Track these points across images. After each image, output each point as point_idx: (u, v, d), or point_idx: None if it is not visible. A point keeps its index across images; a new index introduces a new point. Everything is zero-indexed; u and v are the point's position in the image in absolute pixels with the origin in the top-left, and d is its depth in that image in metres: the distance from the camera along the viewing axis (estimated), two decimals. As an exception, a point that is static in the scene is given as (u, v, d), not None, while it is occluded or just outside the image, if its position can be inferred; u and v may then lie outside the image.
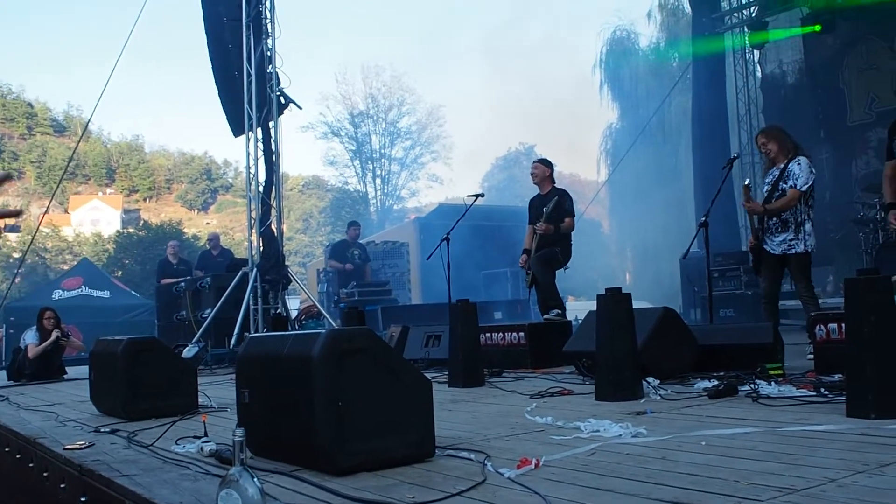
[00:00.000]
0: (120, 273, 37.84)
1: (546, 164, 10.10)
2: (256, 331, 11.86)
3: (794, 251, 7.45)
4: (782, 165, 7.57)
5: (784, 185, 7.50)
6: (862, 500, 2.47)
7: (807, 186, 7.39)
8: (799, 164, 7.47)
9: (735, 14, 18.84)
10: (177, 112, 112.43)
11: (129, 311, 21.60)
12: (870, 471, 2.85)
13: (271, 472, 3.42)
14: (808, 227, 7.44)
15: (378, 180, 60.26)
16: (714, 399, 5.07)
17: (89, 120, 55.52)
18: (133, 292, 25.03)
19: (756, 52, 19.09)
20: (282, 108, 12.89)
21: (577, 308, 13.99)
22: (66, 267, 44.81)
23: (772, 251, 7.57)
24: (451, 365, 7.19)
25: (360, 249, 16.35)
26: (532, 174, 10.08)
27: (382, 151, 60.56)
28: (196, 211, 79.24)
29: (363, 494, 2.96)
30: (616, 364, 5.41)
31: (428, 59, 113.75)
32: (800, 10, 17.61)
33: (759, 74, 19.35)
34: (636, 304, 5.80)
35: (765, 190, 7.78)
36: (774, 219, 7.53)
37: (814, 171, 7.53)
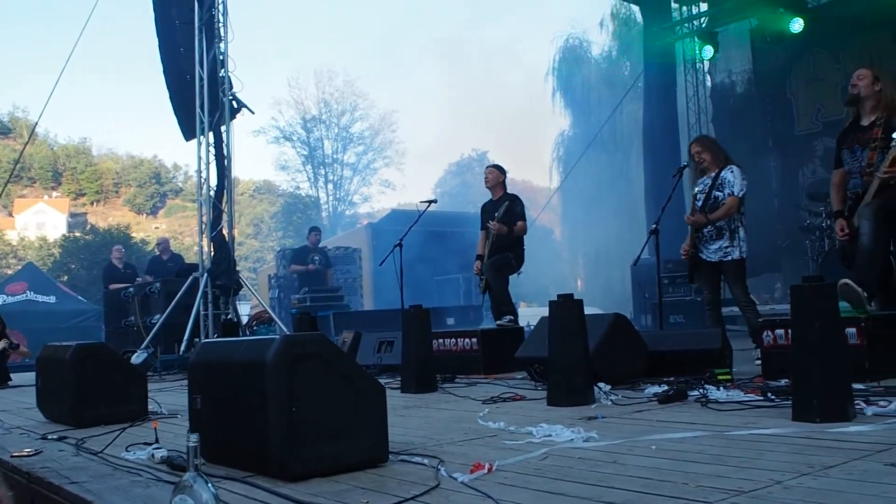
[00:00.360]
0: (66, 278, 37.40)
1: (499, 169, 10.20)
2: (207, 337, 11.78)
3: (729, 258, 7.68)
4: (714, 174, 7.77)
5: (718, 193, 7.72)
6: (806, 502, 2.52)
7: (742, 193, 7.59)
8: (732, 171, 7.74)
9: (686, 24, 19.05)
10: (126, 115, 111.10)
11: (76, 316, 21.37)
12: (814, 473, 2.91)
13: (224, 478, 3.39)
14: (741, 233, 7.69)
15: (330, 185, 60.17)
16: (664, 404, 5.13)
17: (36, 122, 54.61)
18: (80, 297, 24.78)
19: (706, 62, 19.32)
20: (234, 113, 12.80)
21: (530, 314, 14.06)
22: (10, 272, 44.09)
23: (708, 259, 7.76)
24: (403, 371, 7.20)
25: (321, 255, 16.36)
26: (485, 178, 10.16)
27: (335, 156, 60.50)
28: (145, 215, 78.33)
29: (317, 500, 2.96)
30: (568, 370, 5.45)
31: (381, 65, 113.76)
32: (749, 22, 17.89)
33: (708, 84, 19.57)
34: (588, 311, 5.84)
35: (697, 199, 7.94)
36: (710, 227, 7.69)
37: (745, 178, 7.72)
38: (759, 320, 6.66)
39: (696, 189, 8.00)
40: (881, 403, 4.30)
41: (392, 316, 12.53)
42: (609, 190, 33.66)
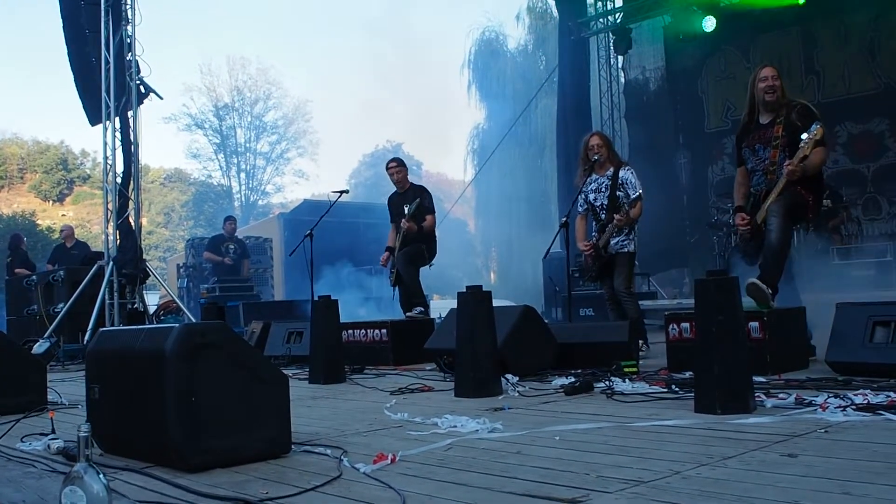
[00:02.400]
0: (-33, 265, 36.31)
1: (403, 163, 10.14)
2: (112, 326, 11.55)
3: (625, 250, 8.03)
4: (610, 173, 8.07)
5: (620, 193, 8.02)
6: (703, 491, 2.55)
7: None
8: (632, 172, 8.09)
9: (601, 20, 19.26)
10: (32, 99, 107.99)
11: (-24, 305, 20.77)
12: (713, 463, 2.95)
13: (121, 469, 3.32)
14: (636, 229, 8.10)
15: (242, 175, 59.45)
16: (570, 395, 5.16)
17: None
18: (-20, 286, 24.08)
19: (620, 58, 19.54)
20: (142, 98, 12.54)
21: (442, 306, 14.08)
22: None
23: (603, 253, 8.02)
24: (312, 361, 7.13)
25: (237, 244, 16.06)
26: (395, 176, 10.01)
27: (247, 145, 59.74)
28: (51, 202, 76.27)
29: (216, 490, 2.91)
30: (476, 361, 5.45)
31: (295, 54, 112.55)
32: (662, 19, 18.16)
33: (622, 80, 19.80)
34: (500, 303, 5.88)
35: (592, 198, 8.19)
36: (611, 223, 7.99)
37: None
38: (666, 315, 6.72)
39: (590, 187, 8.18)
40: (781, 396, 4.39)
41: (302, 306, 12.46)
42: (523, 183, 33.94)
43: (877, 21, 14.99)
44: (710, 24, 16.62)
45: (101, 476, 2.39)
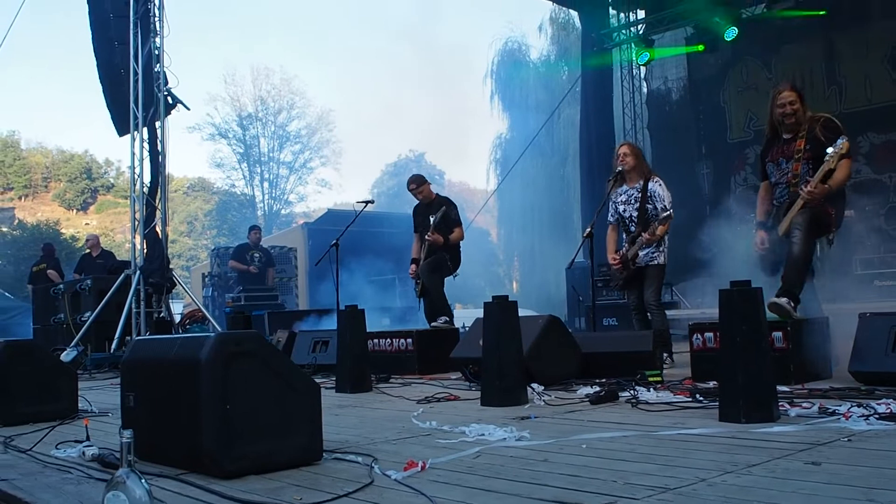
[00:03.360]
0: (-8, 274, 36.65)
1: (422, 179, 10.16)
2: (139, 335, 11.65)
3: (655, 262, 8.03)
4: (639, 185, 8.07)
5: (649, 206, 8.03)
6: (728, 498, 2.59)
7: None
8: (660, 185, 8.06)
9: (623, 31, 19.26)
10: (57, 108, 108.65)
11: (3, 313, 20.95)
12: (738, 471, 2.98)
13: (157, 475, 3.38)
14: (666, 241, 8.09)
15: (266, 184, 59.61)
16: (595, 404, 5.20)
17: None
18: (7, 294, 24.30)
19: (642, 69, 19.54)
20: (169, 109, 12.69)
21: (465, 316, 14.12)
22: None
23: (636, 264, 8.03)
24: (338, 370, 7.21)
25: (262, 253, 16.13)
26: (419, 195, 10.06)
27: (271, 155, 59.91)
28: (75, 211, 76.74)
29: (250, 497, 2.96)
30: (502, 370, 5.50)
31: (319, 64, 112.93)
32: (684, 30, 18.17)
33: (644, 90, 19.80)
34: (523, 312, 5.91)
35: (622, 210, 8.20)
36: (643, 235, 7.96)
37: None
38: (688, 326, 6.75)
39: (620, 198, 8.19)
40: (804, 405, 4.42)
41: (327, 316, 12.52)
42: (545, 193, 33.92)
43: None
44: (731, 34, 16.59)
45: (144, 481, 2.45)
